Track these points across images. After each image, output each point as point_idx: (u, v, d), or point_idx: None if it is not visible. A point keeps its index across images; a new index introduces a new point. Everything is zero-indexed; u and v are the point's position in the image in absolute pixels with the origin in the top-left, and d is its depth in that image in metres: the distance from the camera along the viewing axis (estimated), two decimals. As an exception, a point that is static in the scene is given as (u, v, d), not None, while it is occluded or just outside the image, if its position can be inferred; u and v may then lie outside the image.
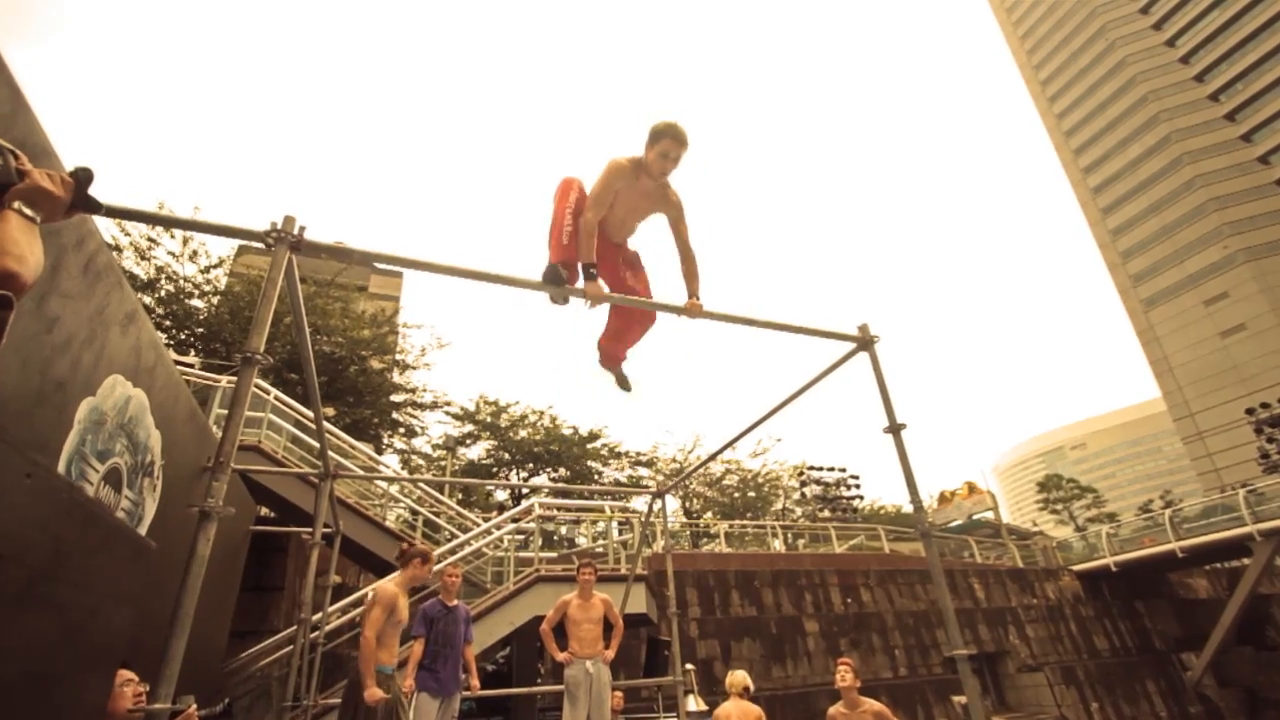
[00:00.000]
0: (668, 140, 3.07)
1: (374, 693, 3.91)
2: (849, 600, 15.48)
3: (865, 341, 3.87)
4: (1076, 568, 20.28)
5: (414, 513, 10.39)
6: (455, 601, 4.81)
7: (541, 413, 22.51)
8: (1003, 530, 24.52)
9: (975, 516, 26.64)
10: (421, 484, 11.12)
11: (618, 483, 22.84)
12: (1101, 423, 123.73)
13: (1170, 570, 20.70)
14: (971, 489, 27.24)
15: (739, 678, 5.37)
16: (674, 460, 25.43)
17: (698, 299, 3.28)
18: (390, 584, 4.40)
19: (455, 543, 8.70)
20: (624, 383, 3.89)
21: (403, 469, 20.82)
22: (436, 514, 10.47)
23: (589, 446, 22.37)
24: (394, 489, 10.17)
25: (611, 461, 23.46)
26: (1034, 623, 17.42)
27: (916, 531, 3.60)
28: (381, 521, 8.76)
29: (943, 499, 28.96)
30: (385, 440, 19.43)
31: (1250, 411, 27.92)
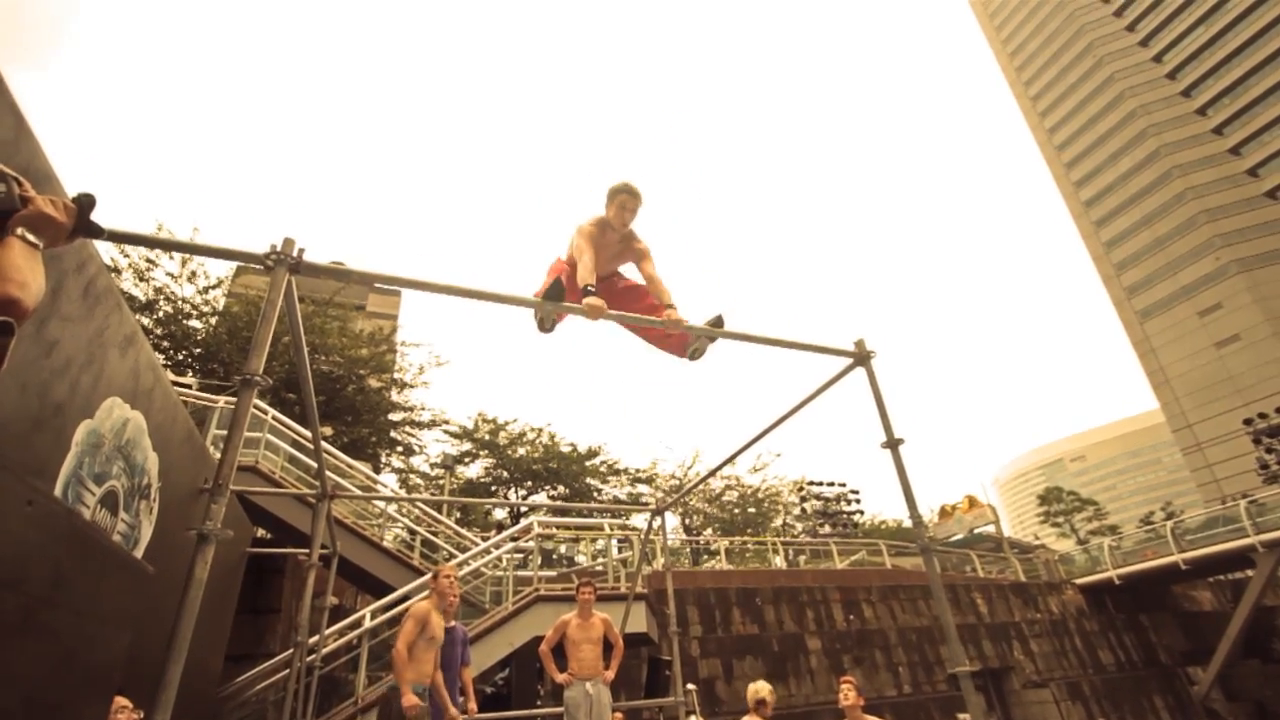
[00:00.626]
0: (623, 195, 3.46)
1: (411, 698, 3.95)
2: (851, 617, 15.33)
3: (862, 357, 3.89)
4: (1079, 581, 20.13)
5: (412, 532, 10.32)
6: (453, 623, 4.77)
7: (540, 430, 22.46)
8: (1004, 544, 24.40)
9: (976, 530, 26.50)
10: (419, 503, 11.06)
11: (617, 500, 22.72)
12: (1101, 434, 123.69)
13: (1174, 583, 20.55)
14: (972, 503, 27.14)
15: (752, 690, 5.30)
16: (673, 477, 25.34)
17: (673, 308, 3.39)
18: (424, 602, 4.57)
19: (454, 562, 8.63)
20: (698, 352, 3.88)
21: (401, 488, 20.71)
22: (435, 533, 10.41)
23: (588, 464, 22.28)
24: (392, 509, 10.12)
25: (610, 479, 23.34)
26: (1038, 637, 17.25)
27: (917, 547, 3.59)
28: (379, 542, 8.70)
29: (943, 513, 28.84)
30: (383, 459, 19.34)
31: (1248, 422, 27.96)
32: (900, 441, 3.69)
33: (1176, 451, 61.87)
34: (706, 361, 3.96)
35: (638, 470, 24.18)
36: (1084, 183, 64.97)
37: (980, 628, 16.56)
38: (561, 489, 21.82)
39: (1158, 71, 60.75)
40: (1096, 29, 65.19)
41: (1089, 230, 64.36)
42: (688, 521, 26.86)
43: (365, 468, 11.70)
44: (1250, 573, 17.95)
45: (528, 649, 7.27)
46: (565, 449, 22.20)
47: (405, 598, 7.03)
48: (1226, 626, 17.61)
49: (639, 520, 16.56)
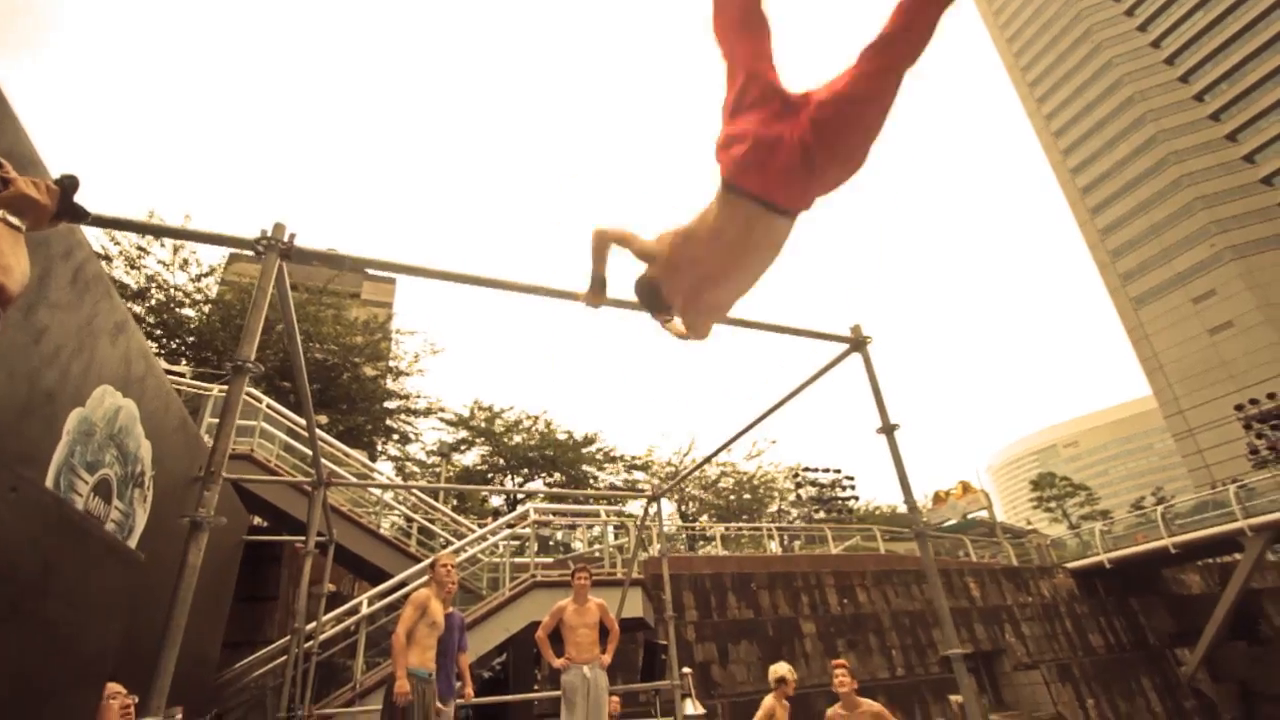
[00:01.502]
0: None
1: (403, 685, 4.00)
2: (845, 601, 15.49)
3: (858, 343, 3.90)
4: (1071, 565, 20.36)
5: (408, 520, 10.35)
6: (450, 609, 4.79)
7: (536, 418, 22.50)
8: (997, 529, 24.63)
9: (970, 515, 26.75)
10: (415, 490, 11.07)
11: (613, 487, 22.81)
12: (1094, 420, 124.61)
13: (1163, 566, 20.81)
14: (966, 488, 27.36)
15: (772, 670, 5.54)
16: (669, 464, 25.43)
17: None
18: (424, 589, 4.62)
19: (450, 549, 8.66)
20: None
21: (397, 476, 20.74)
22: (431, 520, 10.43)
23: (584, 451, 22.35)
24: (388, 496, 10.13)
25: (607, 466, 23.44)
26: (1029, 621, 17.48)
27: (911, 532, 3.63)
28: (375, 529, 8.72)
29: (938, 499, 29.08)
30: (379, 447, 19.36)
31: (1239, 408, 28.19)
32: (895, 427, 3.71)
33: (1168, 437, 62.37)
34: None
35: (634, 457, 24.29)
36: (1080, 169, 64.87)
37: (973, 611, 16.76)
38: (558, 476, 21.91)
39: (1156, 57, 60.47)
40: (1094, 13, 64.75)
41: (1085, 217, 64.36)
42: (684, 508, 27.01)
43: (361, 456, 11.69)
44: (1238, 556, 18.17)
45: (525, 634, 7.32)
46: (561, 436, 22.25)
47: (402, 584, 7.06)
48: (1214, 609, 17.85)
49: (635, 507, 16.64)
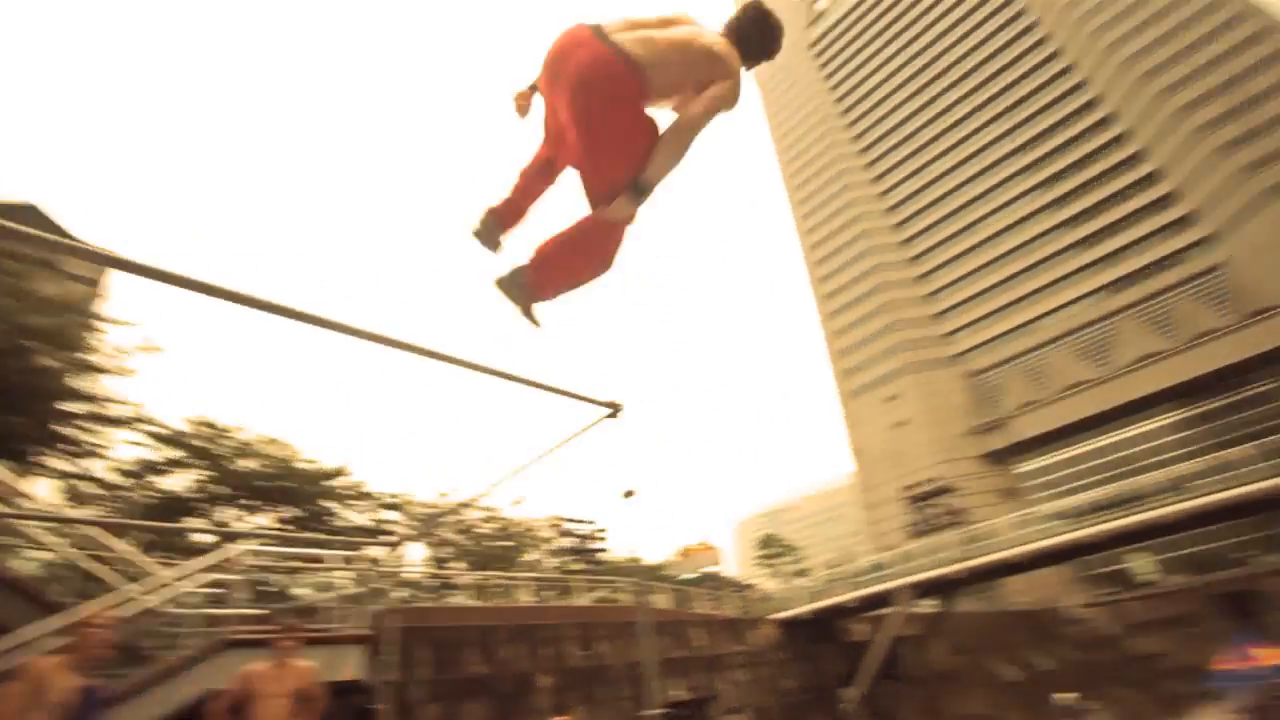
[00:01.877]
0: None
1: None
2: (586, 653, 15.73)
3: (614, 408, 4.21)
4: (775, 616, 23.39)
5: (66, 557, 8.16)
6: (91, 681, 3.83)
7: (274, 441, 19.61)
8: (723, 583, 27.47)
9: (705, 570, 29.44)
10: (77, 523, 8.83)
11: (358, 528, 20.62)
12: (810, 490, 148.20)
13: (846, 618, 25.00)
14: (706, 546, 30.17)
15: None
16: (429, 505, 23.87)
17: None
18: (49, 656, 3.51)
19: (109, 598, 6.99)
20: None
21: (69, 499, 16.34)
22: (101, 558, 8.35)
23: (326, 484, 19.97)
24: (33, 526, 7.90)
25: (354, 503, 21.17)
26: (742, 668, 19.53)
27: (638, 588, 3.91)
28: (2, 572, 6.71)
29: (684, 553, 31.53)
30: (33, 458, 15.11)
31: (906, 489, 35.85)
32: (632, 493, 4.05)
33: (859, 508, 76.34)
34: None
35: (391, 495, 22.29)
36: (826, 279, 79.45)
37: (697, 660, 18.20)
38: (295, 511, 19.14)
39: (881, 204, 77.50)
40: (848, 160, 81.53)
41: (826, 318, 78.53)
42: (438, 554, 25.39)
43: (3, 467, 9.04)
44: (891, 610, 22.63)
45: (204, 708, 6.12)
46: (303, 465, 19.66)
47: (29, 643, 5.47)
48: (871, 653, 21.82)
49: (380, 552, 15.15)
